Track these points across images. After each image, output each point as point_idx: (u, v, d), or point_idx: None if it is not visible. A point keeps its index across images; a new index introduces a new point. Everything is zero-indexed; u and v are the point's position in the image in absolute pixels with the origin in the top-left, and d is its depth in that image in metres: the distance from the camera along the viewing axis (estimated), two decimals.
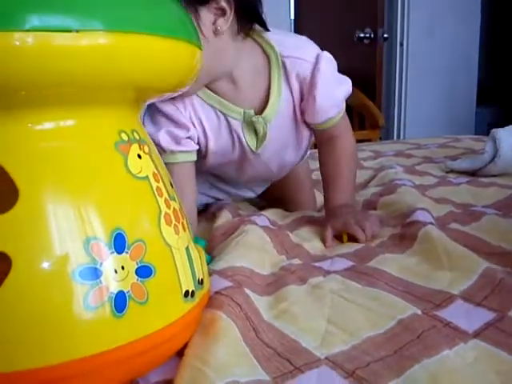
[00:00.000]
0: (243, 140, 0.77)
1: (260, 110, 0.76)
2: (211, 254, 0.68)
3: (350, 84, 0.80)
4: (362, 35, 2.43)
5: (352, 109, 2.40)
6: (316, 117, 0.76)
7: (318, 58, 0.73)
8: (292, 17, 2.91)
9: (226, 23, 0.65)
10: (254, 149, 0.78)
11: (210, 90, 0.74)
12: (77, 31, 0.34)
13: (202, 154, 0.78)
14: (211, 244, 0.73)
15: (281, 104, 0.75)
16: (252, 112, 0.75)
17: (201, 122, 0.75)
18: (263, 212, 0.83)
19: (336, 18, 2.66)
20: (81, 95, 0.39)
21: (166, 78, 0.43)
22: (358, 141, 2.21)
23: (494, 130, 1.11)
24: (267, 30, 0.73)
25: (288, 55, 0.73)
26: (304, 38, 0.76)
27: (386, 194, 0.96)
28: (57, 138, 0.39)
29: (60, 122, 0.40)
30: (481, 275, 0.58)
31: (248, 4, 0.68)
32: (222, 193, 0.96)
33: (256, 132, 0.76)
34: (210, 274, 0.59)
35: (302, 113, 0.77)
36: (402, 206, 0.87)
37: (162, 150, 0.73)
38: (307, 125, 0.80)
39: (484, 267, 0.60)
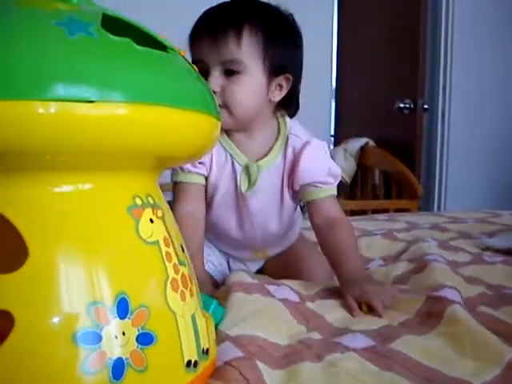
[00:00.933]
0: (238, 180, 0.88)
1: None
2: (227, 305, 0.67)
3: (339, 171, 0.91)
4: (401, 105, 2.45)
5: (391, 177, 2.39)
6: (301, 178, 0.87)
7: (311, 139, 0.89)
8: (334, 86, 2.99)
9: (279, 96, 0.86)
10: (244, 190, 0.88)
11: (228, 136, 0.88)
12: (95, 101, 0.35)
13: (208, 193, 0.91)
14: (228, 295, 0.71)
15: (274, 163, 0.89)
16: (253, 163, 0.88)
17: (211, 157, 0.88)
18: (285, 281, 0.81)
19: (376, 88, 2.70)
20: (99, 161, 0.40)
21: (183, 149, 0.44)
22: (396, 210, 2.20)
23: None
24: (293, 116, 0.92)
25: (292, 133, 0.89)
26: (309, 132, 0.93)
27: (417, 272, 0.93)
28: (72, 200, 0.41)
29: (78, 185, 0.41)
30: (506, 367, 0.55)
31: (295, 94, 0.89)
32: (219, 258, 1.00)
33: (249, 178, 0.88)
34: (224, 339, 0.58)
35: (289, 182, 0.89)
36: (431, 283, 0.84)
37: (179, 169, 0.87)
38: (294, 197, 0.92)
39: (510, 357, 0.56)
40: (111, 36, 0.38)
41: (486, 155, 2.76)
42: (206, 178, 0.89)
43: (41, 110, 0.35)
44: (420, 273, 0.93)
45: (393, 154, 2.40)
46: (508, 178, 2.83)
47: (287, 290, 0.76)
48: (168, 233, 0.45)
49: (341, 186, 2.69)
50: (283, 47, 0.83)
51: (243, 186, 0.88)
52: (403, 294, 0.81)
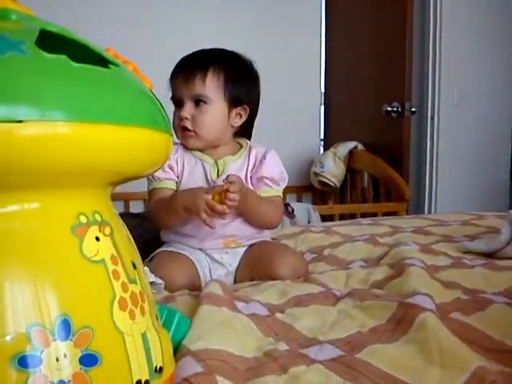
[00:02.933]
0: (208, 173, 1.08)
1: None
2: (194, 317, 0.67)
3: (287, 176, 1.13)
4: (389, 109, 2.44)
5: (379, 181, 2.38)
6: (263, 171, 1.08)
7: (269, 149, 1.12)
8: (322, 89, 2.99)
9: (239, 122, 1.10)
10: (214, 178, 1.07)
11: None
12: (25, 121, 0.35)
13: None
14: (197, 307, 0.72)
15: (238, 161, 1.10)
16: (221, 160, 1.09)
17: (183, 163, 1.09)
18: (256, 297, 0.81)
19: (365, 92, 2.69)
20: (39, 180, 0.40)
21: (128, 165, 0.43)
22: (385, 213, 2.19)
23: (511, 211, 1.07)
24: (249, 139, 1.17)
25: (253, 145, 1.13)
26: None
27: (394, 277, 0.93)
28: (16, 219, 0.40)
29: (23, 204, 0.40)
30: (471, 375, 0.54)
31: (250, 124, 1.14)
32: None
33: (218, 169, 1.09)
34: (185, 354, 0.57)
35: (251, 176, 1.10)
36: (406, 289, 0.84)
37: (152, 178, 1.07)
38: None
39: (476, 366, 0.56)
40: (45, 53, 0.38)
41: (475, 157, 2.76)
42: (177, 182, 1.08)
43: None
44: (397, 278, 0.92)
45: (382, 158, 2.40)
46: (497, 179, 2.84)
47: (256, 305, 0.76)
48: (117, 250, 0.44)
49: (331, 190, 2.69)
50: (240, 84, 1.07)
51: (213, 176, 1.08)
52: (377, 299, 0.81)
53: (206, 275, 1.05)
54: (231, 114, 1.07)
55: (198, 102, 1.03)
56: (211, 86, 1.03)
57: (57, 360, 0.38)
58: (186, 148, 1.10)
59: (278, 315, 0.74)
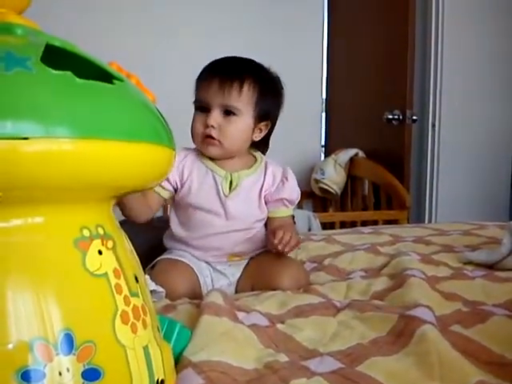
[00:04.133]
0: (219, 186, 1.05)
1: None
2: (195, 328, 0.67)
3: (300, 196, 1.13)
4: (390, 116, 2.45)
5: (380, 188, 2.39)
6: (282, 192, 1.08)
7: (286, 168, 1.11)
8: (324, 96, 3.00)
9: (258, 137, 1.08)
10: (226, 193, 1.05)
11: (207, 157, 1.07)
12: (30, 138, 0.35)
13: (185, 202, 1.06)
14: (198, 317, 0.72)
15: (253, 175, 1.08)
16: (235, 173, 1.06)
17: (191, 172, 1.05)
18: (257, 307, 0.81)
19: (366, 99, 2.70)
20: (43, 195, 0.40)
21: (131, 180, 0.44)
22: (385, 221, 2.19)
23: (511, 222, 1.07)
24: (264, 154, 1.15)
25: (269, 162, 1.12)
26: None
27: (395, 289, 0.93)
28: (20, 234, 0.40)
29: (27, 218, 0.41)
30: None
31: (267, 139, 1.13)
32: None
33: (231, 183, 1.06)
34: (186, 365, 0.58)
35: (266, 196, 1.08)
36: (407, 300, 0.84)
37: None
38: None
39: (476, 380, 0.56)
40: (50, 70, 0.38)
41: (476, 165, 2.76)
42: (176, 190, 1.06)
43: None
44: (397, 289, 0.92)
45: (382, 165, 2.40)
46: (498, 187, 2.84)
47: (257, 315, 0.76)
48: (119, 263, 0.45)
49: (331, 197, 2.69)
50: (270, 101, 1.06)
51: (225, 190, 1.05)
52: (378, 311, 0.81)
53: (206, 283, 1.05)
54: (255, 129, 1.06)
55: (228, 112, 1.00)
56: (245, 100, 1.01)
57: (59, 374, 0.38)
58: (198, 155, 1.07)
59: (279, 326, 0.74)
